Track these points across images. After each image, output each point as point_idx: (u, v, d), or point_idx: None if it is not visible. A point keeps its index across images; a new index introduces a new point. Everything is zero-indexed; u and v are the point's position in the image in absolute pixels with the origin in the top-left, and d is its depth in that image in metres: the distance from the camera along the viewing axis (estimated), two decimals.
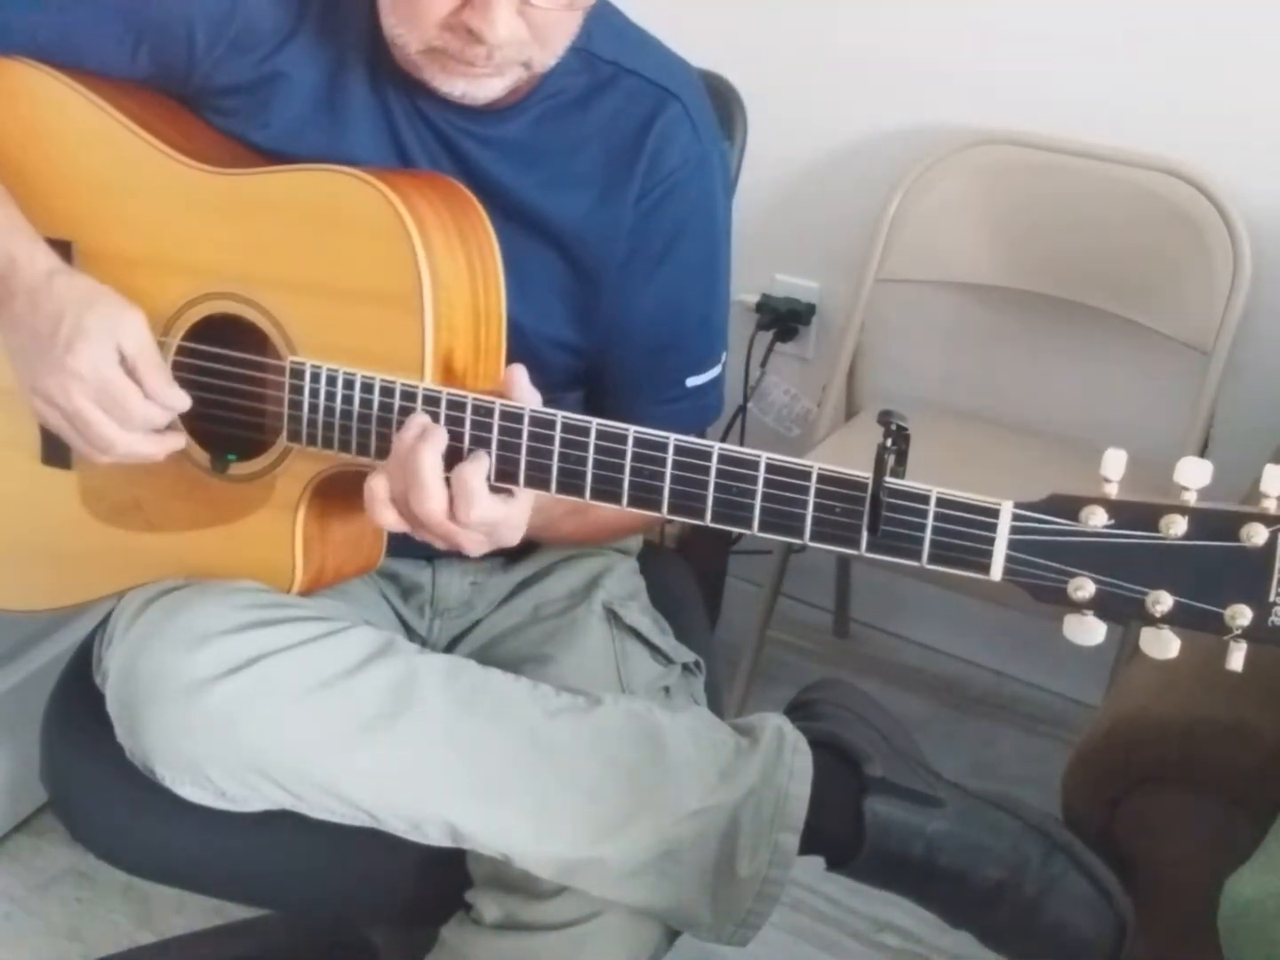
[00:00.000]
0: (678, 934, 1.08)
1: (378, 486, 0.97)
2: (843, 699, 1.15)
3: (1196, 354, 1.73)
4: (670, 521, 1.16)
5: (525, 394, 0.97)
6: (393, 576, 1.25)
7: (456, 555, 1.24)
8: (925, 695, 2.05)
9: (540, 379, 0.99)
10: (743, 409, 2.07)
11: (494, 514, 0.96)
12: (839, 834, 1.06)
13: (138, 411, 1.03)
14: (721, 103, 1.36)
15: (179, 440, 1.08)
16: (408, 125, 1.10)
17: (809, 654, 2.12)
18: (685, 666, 1.23)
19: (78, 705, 1.16)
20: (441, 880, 1.10)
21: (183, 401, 1.05)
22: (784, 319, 2.06)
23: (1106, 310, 1.80)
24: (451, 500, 0.95)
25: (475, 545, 0.99)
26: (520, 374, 0.98)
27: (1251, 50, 1.68)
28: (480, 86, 1.03)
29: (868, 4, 1.90)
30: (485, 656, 1.13)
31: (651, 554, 1.33)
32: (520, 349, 1.08)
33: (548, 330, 1.15)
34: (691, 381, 1.20)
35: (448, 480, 0.95)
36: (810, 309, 2.06)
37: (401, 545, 1.16)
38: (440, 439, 0.95)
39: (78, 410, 1.02)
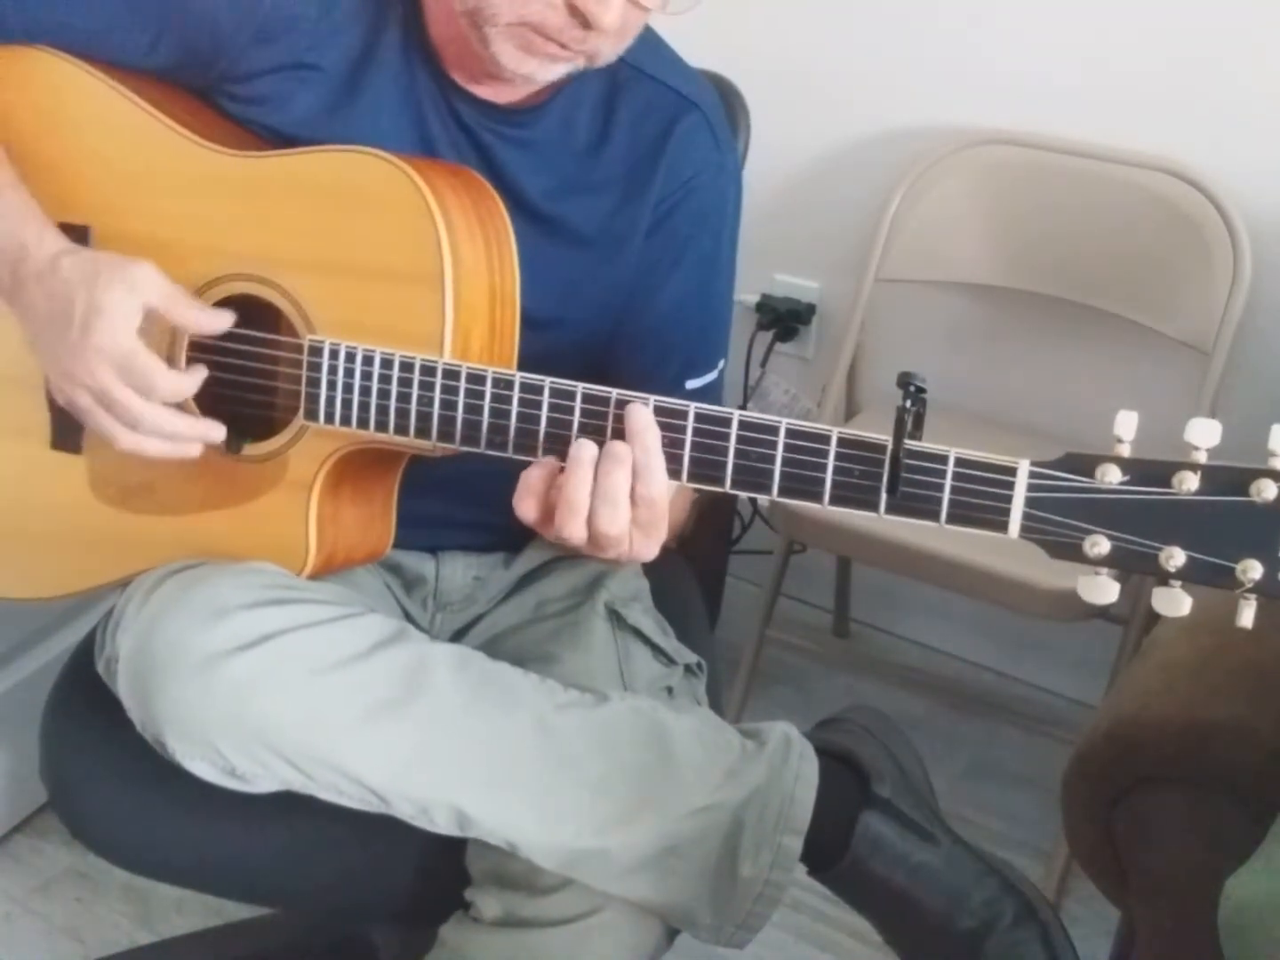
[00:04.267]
0: (677, 933, 1.08)
1: (577, 543, 0.97)
2: (870, 723, 1.16)
3: (1196, 354, 1.73)
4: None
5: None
6: (396, 568, 1.25)
7: (460, 548, 1.26)
8: (925, 695, 2.06)
9: (553, 374, 0.99)
10: (742, 409, 2.07)
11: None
12: (828, 841, 1.06)
13: (160, 382, 1.02)
14: (724, 103, 1.37)
15: (216, 430, 1.06)
16: (436, 119, 1.11)
17: (809, 654, 2.12)
18: (687, 668, 1.23)
19: (78, 702, 1.16)
20: (441, 877, 1.09)
21: (225, 321, 1.05)
22: (784, 319, 2.06)
23: (1106, 310, 1.80)
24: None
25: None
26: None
27: (1252, 50, 1.68)
28: (548, 70, 1.04)
29: (868, 5, 1.91)
30: (489, 652, 1.13)
31: None
32: (535, 346, 1.09)
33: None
34: (690, 384, 1.21)
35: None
36: (810, 309, 2.07)
37: (405, 537, 1.17)
38: (623, 459, 0.94)
39: (104, 387, 1.01)
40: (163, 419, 1.04)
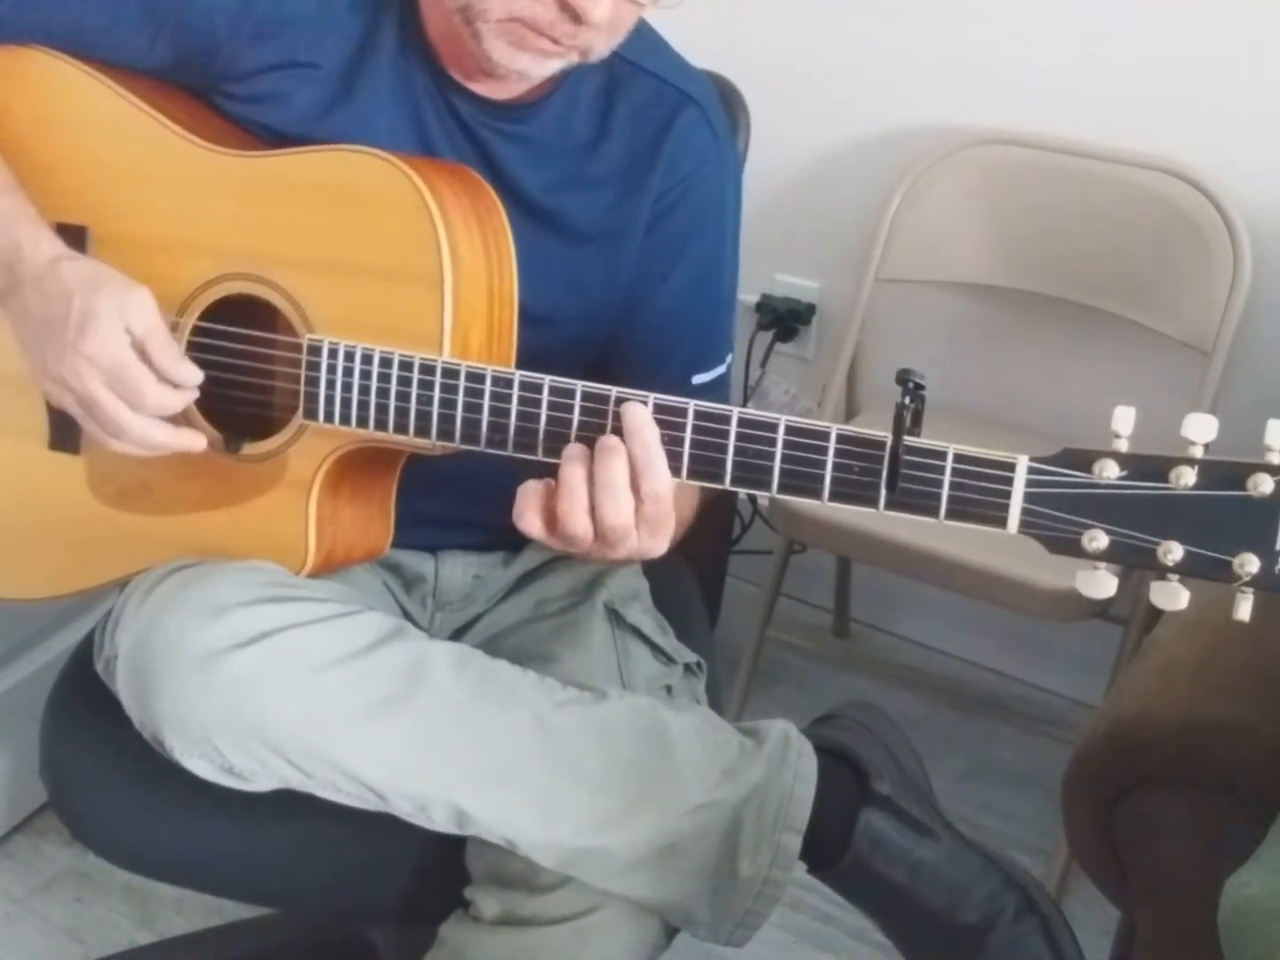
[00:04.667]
0: (676, 931, 1.08)
1: (583, 537, 0.96)
2: (867, 719, 1.16)
3: (1196, 354, 1.73)
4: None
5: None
6: (395, 567, 1.25)
7: (459, 547, 1.26)
8: (925, 695, 2.06)
9: (552, 370, 0.99)
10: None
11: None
12: (828, 839, 1.06)
13: (149, 395, 1.02)
14: (724, 103, 1.37)
15: (198, 441, 1.07)
16: (434, 116, 1.12)
17: (809, 654, 2.12)
18: (687, 667, 1.23)
19: (78, 702, 1.16)
20: (440, 876, 1.10)
21: (194, 376, 1.04)
22: (784, 319, 2.06)
23: (1106, 310, 1.80)
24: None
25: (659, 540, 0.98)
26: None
27: (1252, 50, 1.68)
28: (541, 66, 1.05)
29: (868, 4, 1.91)
30: (488, 651, 1.13)
31: None
32: (534, 341, 1.09)
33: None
34: (697, 379, 1.21)
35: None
36: (810, 309, 2.07)
37: (404, 536, 1.17)
38: (618, 449, 0.94)
39: (90, 394, 1.01)
40: (148, 431, 1.04)
